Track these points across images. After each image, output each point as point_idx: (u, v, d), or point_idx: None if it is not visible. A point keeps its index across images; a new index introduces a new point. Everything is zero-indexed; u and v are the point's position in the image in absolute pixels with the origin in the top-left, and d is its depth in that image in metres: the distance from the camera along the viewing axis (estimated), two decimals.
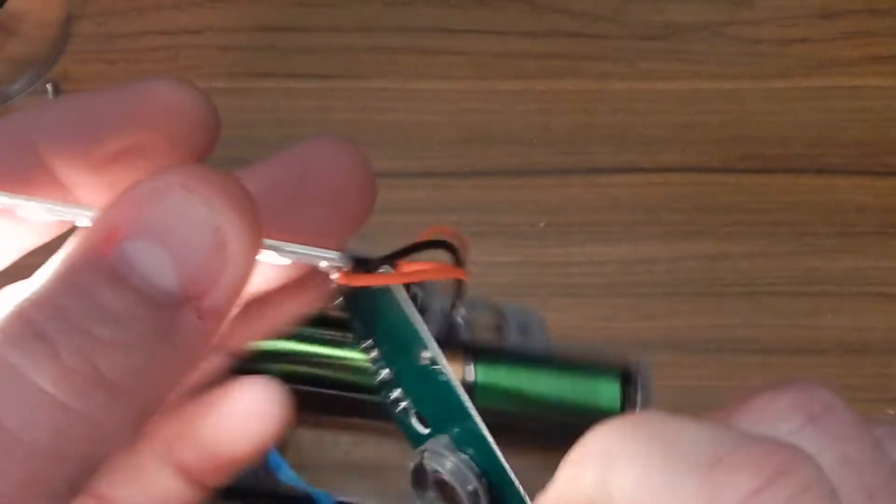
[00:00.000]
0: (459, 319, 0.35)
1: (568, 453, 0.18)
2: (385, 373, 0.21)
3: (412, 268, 0.19)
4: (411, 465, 0.21)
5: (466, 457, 0.21)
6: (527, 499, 0.20)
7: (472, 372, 0.35)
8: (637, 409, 0.35)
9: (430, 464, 0.21)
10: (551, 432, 0.36)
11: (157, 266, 0.14)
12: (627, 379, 0.35)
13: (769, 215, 0.42)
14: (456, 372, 0.21)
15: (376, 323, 0.21)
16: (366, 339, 0.21)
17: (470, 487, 0.21)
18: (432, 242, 0.20)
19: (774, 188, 0.42)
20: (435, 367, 0.21)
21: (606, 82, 0.44)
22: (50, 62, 0.45)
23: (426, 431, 0.21)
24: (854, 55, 0.44)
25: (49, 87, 0.44)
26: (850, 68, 0.44)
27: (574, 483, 0.17)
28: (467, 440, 0.21)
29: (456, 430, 0.21)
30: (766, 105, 0.44)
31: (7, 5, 0.40)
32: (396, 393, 0.21)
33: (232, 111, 0.44)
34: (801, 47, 0.45)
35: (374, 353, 0.21)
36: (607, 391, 0.35)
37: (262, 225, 0.15)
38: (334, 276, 0.18)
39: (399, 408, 0.21)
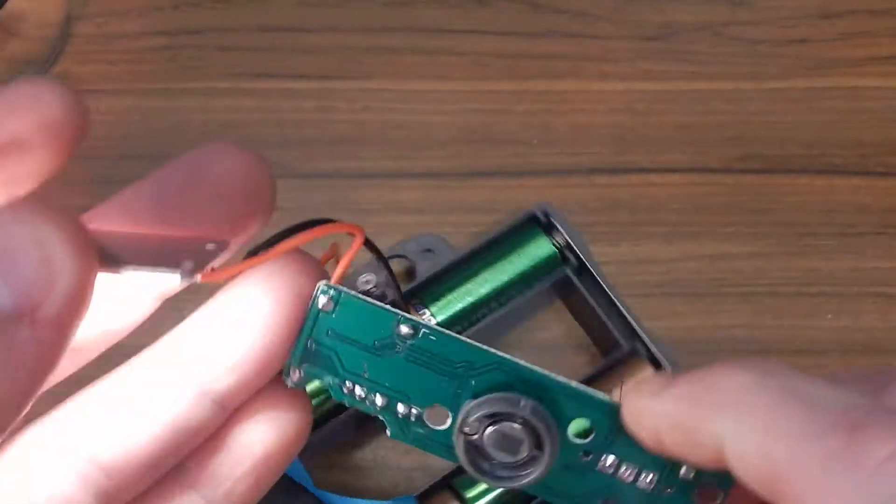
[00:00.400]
0: (372, 287, 0.36)
1: (663, 386, 0.19)
2: (378, 399, 0.21)
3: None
4: (459, 446, 0.20)
5: (500, 394, 0.20)
6: (599, 394, 0.20)
7: (430, 316, 0.36)
8: (564, 237, 0.37)
9: (474, 425, 0.20)
10: (518, 314, 0.39)
11: None
12: (545, 225, 0.38)
13: (769, 216, 0.42)
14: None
15: (342, 353, 0.20)
16: (341, 380, 0.21)
17: (522, 404, 0.20)
18: (290, 229, 0.20)
19: (774, 188, 0.43)
20: (419, 334, 0.20)
21: (606, 82, 0.44)
22: (50, 62, 0.45)
23: (448, 422, 0.21)
24: (854, 55, 0.44)
25: None
26: (851, 69, 0.44)
27: (692, 421, 0.18)
28: (487, 383, 0.20)
29: (472, 384, 0.20)
30: (765, 105, 0.44)
31: (7, 5, 0.40)
32: (402, 409, 0.21)
33: (232, 112, 0.44)
34: (800, 48, 0.45)
35: (359, 390, 0.21)
36: (540, 245, 0.37)
37: (88, 236, 0.16)
38: (197, 277, 0.18)
39: (412, 420, 0.21)
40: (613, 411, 0.20)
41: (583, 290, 0.37)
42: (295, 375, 0.21)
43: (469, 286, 0.37)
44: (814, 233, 0.42)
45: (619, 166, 0.43)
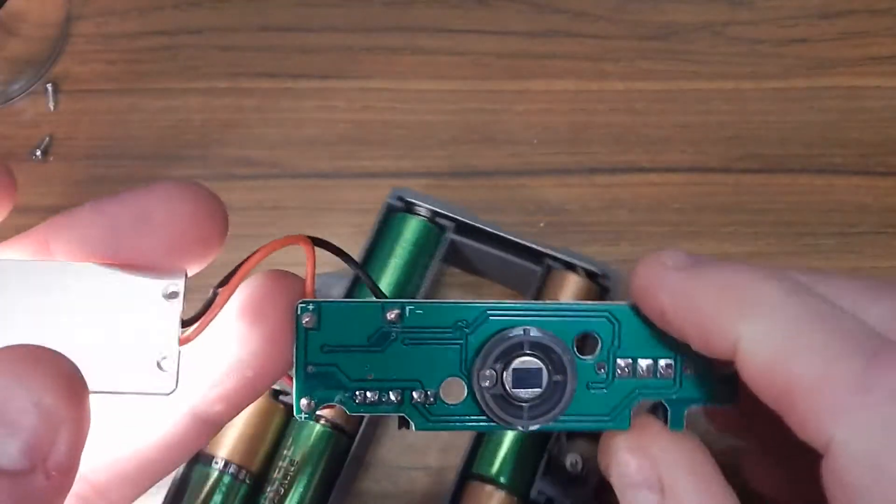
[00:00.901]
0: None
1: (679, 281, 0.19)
2: (392, 396, 0.21)
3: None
4: (486, 403, 0.20)
5: (499, 334, 0.21)
6: (595, 303, 0.21)
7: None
8: (427, 209, 0.37)
9: (491, 376, 0.20)
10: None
11: (0, 443, 0.16)
12: (406, 207, 0.38)
13: (769, 215, 0.42)
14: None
15: (342, 365, 0.21)
16: (351, 392, 0.21)
17: (522, 331, 0.20)
18: (248, 259, 0.20)
19: (774, 188, 0.43)
20: (407, 313, 0.20)
21: (606, 82, 0.44)
22: (50, 62, 0.45)
23: (465, 391, 0.21)
24: (854, 55, 0.44)
25: (49, 87, 0.44)
26: (850, 68, 0.44)
27: (713, 312, 0.19)
28: (486, 334, 0.21)
29: (472, 341, 0.21)
30: (765, 105, 0.44)
31: (7, 5, 0.40)
32: (417, 396, 0.21)
33: (232, 111, 0.44)
34: (800, 47, 0.45)
35: (370, 395, 0.21)
36: (412, 225, 0.38)
37: (83, 384, 0.17)
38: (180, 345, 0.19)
39: (431, 404, 0.21)
40: (611, 314, 0.21)
41: (471, 242, 0.38)
42: (304, 405, 0.21)
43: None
44: (813, 232, 0.42)
45: (618, 166, 0.43)
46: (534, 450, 0.35)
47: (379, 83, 0.44)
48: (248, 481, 0.34)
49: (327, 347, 0.20)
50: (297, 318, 0.20)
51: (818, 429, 0.17)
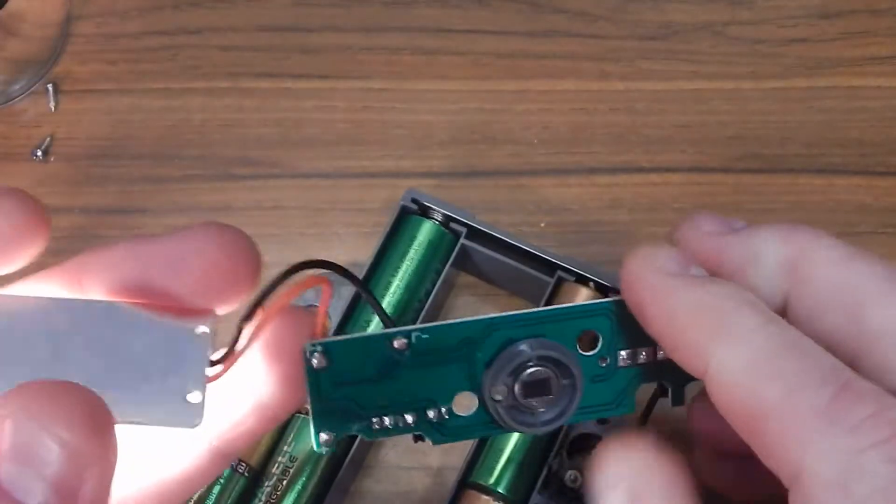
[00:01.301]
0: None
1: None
2: (409, 418, 0.21)
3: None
4: (500, 415, 0.21)
5: (505, 351, 0.21)
6: (590, 302, 0.21)
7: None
8: (441, 212, 0.38)
9: (502, 390, 0.21)
10: (438, 304, 0.39)
11: (29, 484, 0.16)
12: (420, 210, 0.38)
13: (769, 215, 0.42)
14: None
15: (356, 397, 0.21)
16: (368, 422, 0.21)
17: (527, 346, 0.21)
18: (267, 289, 0.20)
19: (774, 188, 0.43)
20: (413, 340, 0.21)
21: (606, 82, 0.44)
22: (50, 62, 0.45)
23: (476, 402, 0.21)
24: (854, 55, 0.44)
25: (49, 87, 0.44)
26: (850, 68, 0.44)
27: (688, 327, 0.19)
28: (493, 348, 0.21)
29: (479, 356, 0.21)
30: (765, 105, 0.44)
31: (7, 5, 0.40)
32: (432, 415, 0.21)
33: (232, 111, 0.44)
34: (800, 47, 0.45)
35: (387, 421, 0.21)
36: (425, 229, 0.38)
37: (108, 418, 0.17)
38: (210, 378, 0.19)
39: (446, 419, 0.21)
40: (609, 311, 0.21)
41: (483, 249, 0.38)
42: (323, 440, 0.21)
43: (386, 300, 0.37)
44: None
45: (618, 166, 0.43)
46: (533, 462, 0.35)
47: (379, 83, 0.44)
48: (246, 475, 0.35)
49: (339, 384, 0.21)
50: (307, 360, 0.20)
51: (785, 458, 0.17)
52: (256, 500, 0.35)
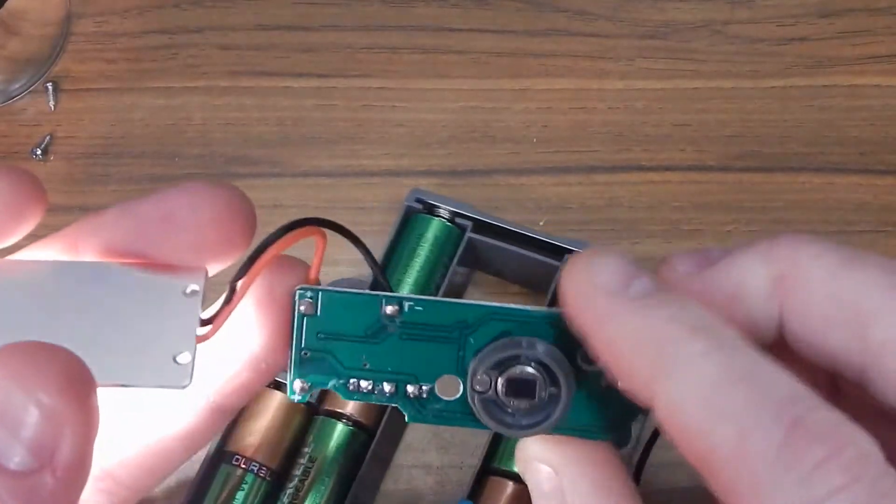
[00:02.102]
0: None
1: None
2: (386, 387, 0.21)
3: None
4: (477, 406, 0.20)
5: (500, 341, 0.20)
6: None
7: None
8: (447, 209, 0.37)
9: (485, 380, 0.20)
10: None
11: (6, 446, 0.16)
12: (426, 209, 0.38)
13: (768, 214, 0.42)
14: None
15: (337, 352, 0.21)
16: (345, 379, 0.21)
17: (525, 343, 0.20)
18: (260, 246, 0.20)
19: (773, 187, 0.43)
20: (406, 309, 0.20)
21: (605, 81, 0.44)
22: (50, 61, 0.45)
23: (461, 389, 0.21)
24: (853, 54, 0.44)
25: (49, 85, 0.44)
26: (850, 67, 0.44)
27: (632, 358, 0.18)
28: (486, 337, 0.20)
29: (472, 342, 0.20)
30: (764, 104, 0.44)
31: (7, 4, 0.40)
32: (411, 390, 0.21)
33: (232, 110, 0.44)
34: (800, 46, 0.45)
35: (364, 384, 0.21)
36: (432, 226, 0.38)
37: (88, 380, 0.17)
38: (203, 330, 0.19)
39: (425, 398, 0.21)
40: None
41: (489, 240, 0.38)
42: (298, 388, 0.21)
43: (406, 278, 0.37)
44: (813, 230, 0.42)
45: (618, 164, 0.43)
46: None
47: (379, 82, 0.44)
48: (269, 479, 0.35)
49: (323, 335, 0.20)
50: (295, 304, 0.20)
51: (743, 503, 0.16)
52: (280, 503, 0.35)
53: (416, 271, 0.37)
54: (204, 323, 0.19)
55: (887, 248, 0.42)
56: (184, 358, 0.19)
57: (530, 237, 0.37)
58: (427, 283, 0.37)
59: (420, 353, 0.20)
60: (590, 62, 0.44)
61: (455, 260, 0.38)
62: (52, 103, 0.44)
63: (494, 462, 0.35)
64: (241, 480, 0.35)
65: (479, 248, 0.38)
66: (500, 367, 0.20)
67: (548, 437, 0.20)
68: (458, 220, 0.38)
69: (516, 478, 0.34)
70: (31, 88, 0.44)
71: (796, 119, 0.43)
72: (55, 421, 0.16)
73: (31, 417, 0.16)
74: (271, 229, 0.45)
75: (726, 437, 0.16)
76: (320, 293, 0.20)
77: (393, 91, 0.44)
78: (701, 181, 0.43)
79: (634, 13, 0.45)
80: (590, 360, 0.20)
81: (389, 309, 0.20)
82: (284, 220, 0.45)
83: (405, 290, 0.37)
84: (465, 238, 0.38)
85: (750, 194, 0.42)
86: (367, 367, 0.20)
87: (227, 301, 0.19)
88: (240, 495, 0.34)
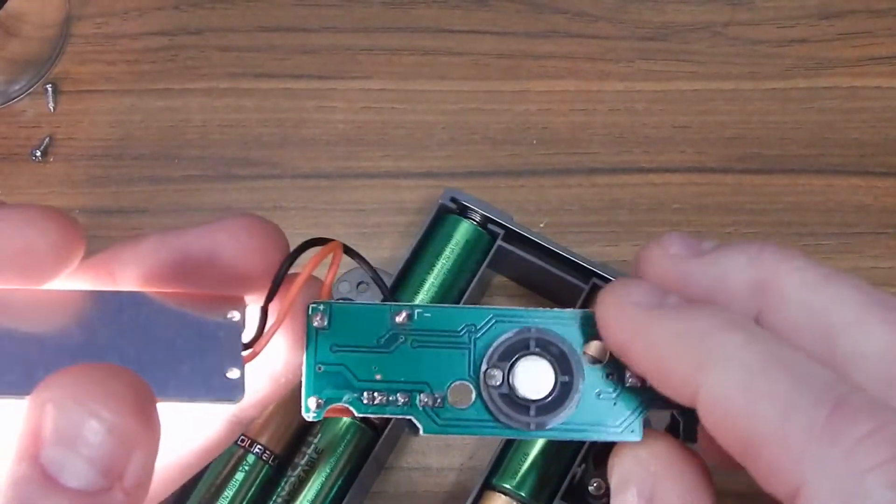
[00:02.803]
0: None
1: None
2: (400, 398, 0.21)
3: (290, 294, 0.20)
4: (493, 402, 0.20)
5: (507, 333, 0.21)
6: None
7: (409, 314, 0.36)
8: (479, 213, 0.37)
9: (497, 375, 0.20)
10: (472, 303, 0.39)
11: (73, 467, 0.17)
12: (459, 209, 0.38)
13: (768, 215, 0.42)
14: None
15: (351, 365, 0.21)
16: (359, 393, 0.21)
17: (532, 330, 0.20)
18: (284, 268, 0.20)
19: (773, 188, 0.43)
20: (415, 316, 0.21)
21: (606, 82, 0.44)
22: (50, 62, 0.45)
23: (473, 396, 0.21)
24: (853, 55, 0.44)
25: (49, 87, 0.44)
26: (850, 69, 0.44)
27: (673, 359, 0.18)
28: (489, 339, 0.21)
29: (481, 346, 0.21)
30: (765, 105, 0.44)
31: (7, 5, 0.40)
32: (425, 399, 0.21)
33: (232, 112, 0.44)
34: (800, 48, 0.45)
35: (378, 396, 0.21)
36: (463, 229, 0.38)
37: (151, 399, 0.18)
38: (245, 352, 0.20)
39: (438, 407, 0.21)
40: None
41: (520, 252, 0.37)
42: (313, 404, 0.21)
43: (420, 298, 0.37)
44: (813, 233, 0.42)
45: (618, 166, 0.43)
46: (558, 469, 0.35)
47: (378, 83, 0.44)
48: (271, 463, 0.35)
49: (336, 347, 0.21)
50: (309, 319, 0.21)
51: (784, 480, 0.17)
52: (279, 489, 0.35)
53: (443, 273, 0.37)
54: (245, 347, 0.20)
55: (887, 250, 0.42)
56: (234, 374, 0.19)
57: (560, 255, 0.37)
58: (451, 286, 0.37)
59: (431, 360, 0.21)
60: (590, 64, 0.44)
61: (483, 266, 0.37)
62: (51, 105, 0.44)
63: (495, 478, 0.35)
64: (242, 460, 0.34)
65: (507, 256, 0.38)
66: (511, 355, 0.20)
67: (638, 448, 0.21)
68: (490, 225, 0.38)
69: (512, 495, 0.35)
70: (30, 90, 0.44)
71: (796, 121, 0.43)
72: (123, 440, 0.17)
73: (99, 437, 0.17)
74: None
75: (770, 416, 0.17)
76: (333, 306, 0.21)
77: (393, 92, 0.44)
78: (701, 183, 0.43)
79: (634, 15, 0.45)
80: (593, 361, 0.21)
81: (399, 318, 0.21)
82: (285, 222, 0.45)
83: (428, 290, 0.37)
84: (496, 246, 0.37)
85: (750, 196, 0.42)
86: (380, 378, 0.21)
87: (262, 325, 0.20)
88: (239, 475, 0.34)
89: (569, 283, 0.37)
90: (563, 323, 0.21)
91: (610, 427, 0.21)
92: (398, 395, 0.21)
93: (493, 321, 0.21)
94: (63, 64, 0.45)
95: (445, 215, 0.38)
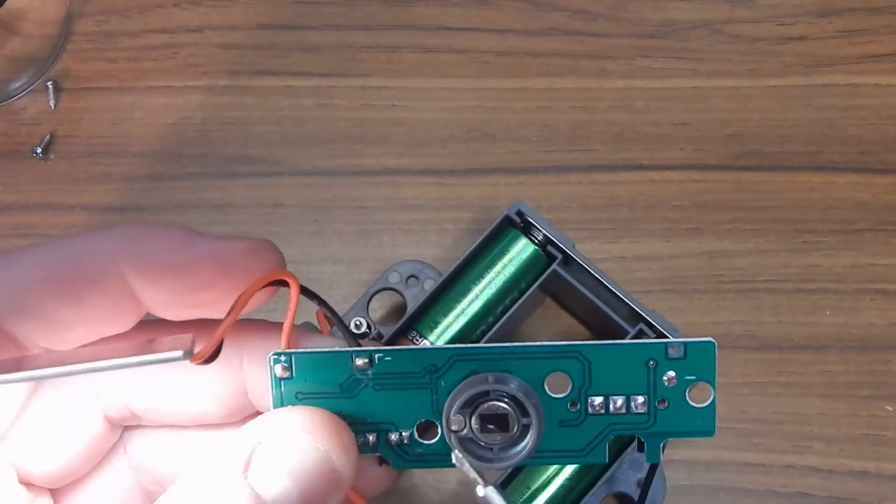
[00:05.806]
0: (365, 329, 0.37)
1: None
2: (370, 438, 0.21)
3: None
4: (455, 445, 0.21)
5: (466, 380, 0.21)
6: (558, 343, 0.21)
7: (428, 341, 0.36)
8: (542, 233, 0.37)
9: (459, 420, 0.21)
10: (515, 321, 0.38)
11: (286, 495, 0.19)
12: (522, 224, 0.37)
13: (768, 212, 0.42)
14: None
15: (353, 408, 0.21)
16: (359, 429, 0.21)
17: (490, 379, 0.21)
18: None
19: (773, 185, 0.43)
20: (375, 360, 0.21)
21: (605, 80, 0.44)
22: (50, 60, 0.45)
23: (439, 430, 0.21)
24: (852, 53, 0.44)
25: (49, 85, 0.44)
26: (849, 66, 0.44)
27: None
28: (456, 378, 0.21)
29: (443, 385, 0.21)
30: (764, 103, 0.44)
31: (8, 3, 0.40)
32: (393, 437, 0.21)
33: (232, 109, 0.44)
34: (799, 45, 0.45)
35: (372, 437, 0.22)
36: (521, 247, 0.37)
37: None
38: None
39: (406, 444, 0.21)
40: (580, 354, 0.21)
41: (574, 281, 0.37)
42: None
43: (462, 306, 0.36)
44: (813, 229, 0.42)
45: (618, 163, 0.43)
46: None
47: (379, 81, 0.44)
48: None
49: (301, 395, 0.21)
50: (270, 369, 0.21)
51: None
52: None
53: (491, 287, 0.36)
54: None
55: (887, 247, 0.42)
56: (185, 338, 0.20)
57: (614, 293, 0.35)
58: (497, 302, 0.37)
59: (395, 401, 0.21)
60: (590, 61, 0.45)
61: (533, 287, 0.36)
62: (52, 102, 0.44)
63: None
64: None
65: (559, 281, 0.37)
66: (472, 404, 0.21)
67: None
68: (549, 247, 0.37)
69: None
70: (31, 87, 0.44)
71: (796, 118, 0.44)
72: (339, 480, 0.20)
73: (322, 473, 0.19)
74: (272, 228, 0.45)
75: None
76: (293, 356, 0.21)
77: (393, 90, 0.44)
78: (701, 180, 0.43)
79: (634, 13, 0.45)
80: (557, 390, 0.21)
81: (360, 362, 0.21)
82: (285, 220, 0.45)
83: (472, 301, 0.36)
84: (551, 270, 0.36)
85: (750, 193, 0.42)
86: (348, 421, 0.21)
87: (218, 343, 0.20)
88: None
89: (615, 322, 0.36)
90: (524, 359, 0.21)
91: (575, 452, 0.21)
92: (368, 435, 0.21)
93: (454, 362, 0.21)
94: (64, 61, 0.45)
95: (507, 228, 0.37)
